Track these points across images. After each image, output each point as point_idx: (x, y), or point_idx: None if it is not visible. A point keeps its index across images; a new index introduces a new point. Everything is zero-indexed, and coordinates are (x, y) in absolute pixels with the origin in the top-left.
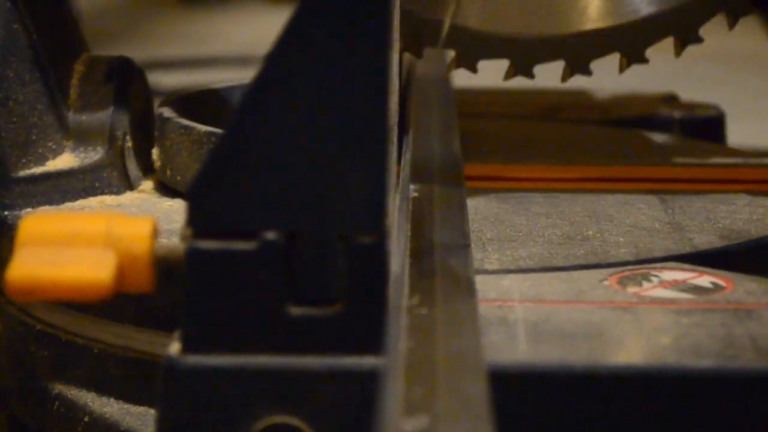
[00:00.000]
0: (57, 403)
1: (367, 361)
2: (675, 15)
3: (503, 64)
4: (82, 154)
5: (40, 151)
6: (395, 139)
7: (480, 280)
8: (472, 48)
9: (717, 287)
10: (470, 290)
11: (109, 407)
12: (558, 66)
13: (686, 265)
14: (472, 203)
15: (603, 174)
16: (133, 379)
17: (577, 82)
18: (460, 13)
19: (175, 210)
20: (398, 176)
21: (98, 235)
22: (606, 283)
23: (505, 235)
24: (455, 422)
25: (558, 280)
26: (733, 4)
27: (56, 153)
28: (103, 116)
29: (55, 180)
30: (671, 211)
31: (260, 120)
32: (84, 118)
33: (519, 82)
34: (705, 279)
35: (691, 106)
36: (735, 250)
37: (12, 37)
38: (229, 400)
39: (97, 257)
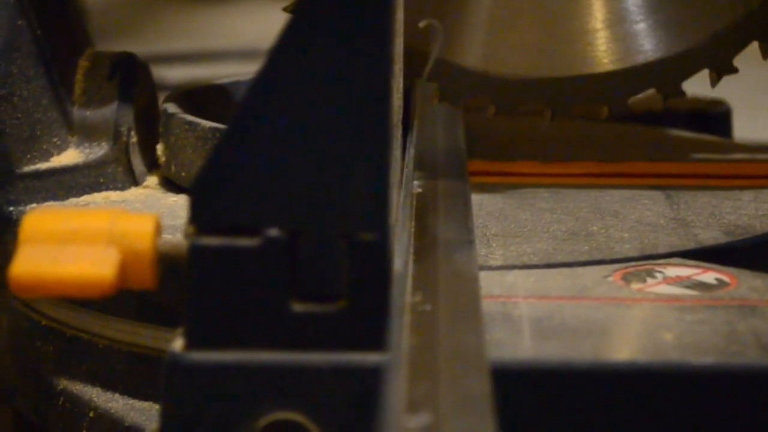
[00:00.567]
0: (62, 398)
1: (370, 358)
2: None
3: None
4: (87, 150)
5: (44, 146)
6: (399, 135)
7: (484, 276)
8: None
9: (721, 283)
10: (474, 287)
11: (114, 402)
12: None
13: (690, 262)
14: (476, 198)
15: (608, 170)
16: (137, 374)
17: None
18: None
19: (180, 206)
20: (402, 172)
21: (101, 232)
22: (610, 279)
23: (510, 230)
24: (458, 419)
25: (562, 276)
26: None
27: (61, 149)
28: (107, 112)
29: (60, 176)
30: (676, 206)
31: (263, 116)
32: (88, 113)
33: None
34: (709, 275)
35: (697, 101)
36: (740, 246)
37: (16, 33)
38: (233, 396)
39: (100, 254)
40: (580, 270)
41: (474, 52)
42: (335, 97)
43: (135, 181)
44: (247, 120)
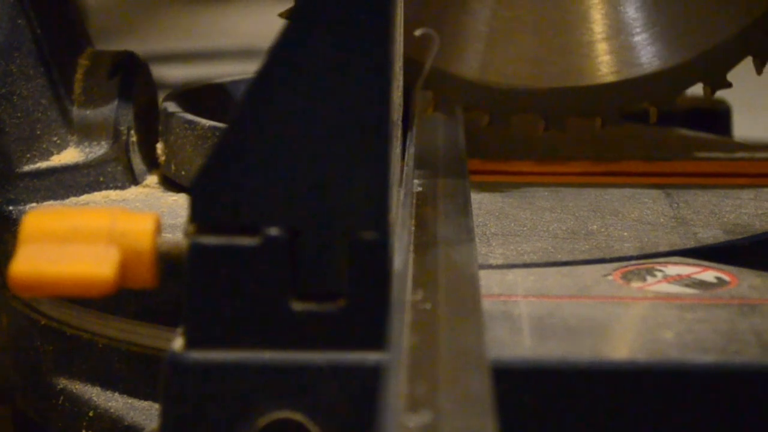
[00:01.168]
0: (62, 397)
1: (371, 357)
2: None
3: None
4: (87, 149)
5: (44, 146)
6: (399, 134)
7: (484, 275)
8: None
9: (721, 282)
10: (474, 285)
11: (114, 402)
12: None
13: (690, 260)
14: (476, 197)
15: (608, 168)
16: (137, 373)
17: None
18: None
19: (180, 205)
20: (402, 171)
21: (101, 231)
22: (610, 278)
23: (510, 229)
24: (458, 418)
25: (562, 275)
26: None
27: (61, 148)
28: (107, 111)
29: (60, 175)
30: (676, 205)
31: (263, 115)
32: (88, 112)
33: None
34: (709, 274)
35: (697, 100)
36: (740, 245)
37: (16, 33)
38: (233, 396)
39: (100, 253)
40: (580, 269)
41: (471, 62)
42: (335, 95)
43: (135, 180)
44: (246, 119)
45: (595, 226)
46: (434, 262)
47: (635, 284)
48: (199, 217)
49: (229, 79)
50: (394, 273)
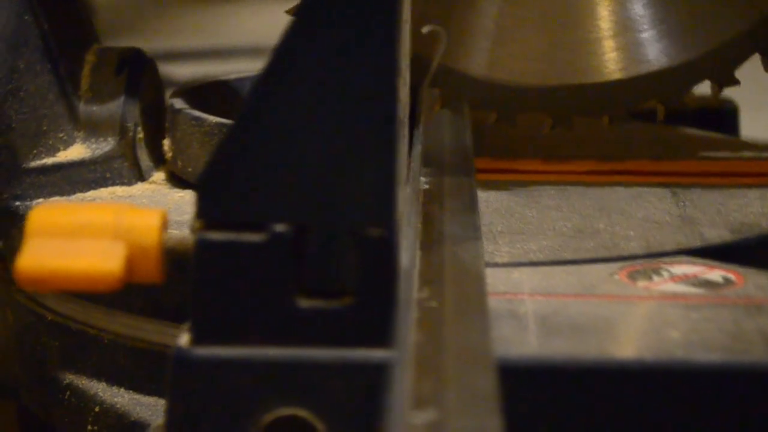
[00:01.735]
0: (67, 393)
1: (377, 354)
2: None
3: None
4: (93, 145)
5: (51, 141)
6: (406, 132)
7: (490, 273)
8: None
9: (727, 282)
10: (480, 283)
11: (120, 397)
12: None
13: (697, 260)
14: (482, 195)
15: (614, 167)
16: (143, 369)
17: None
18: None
19: (186, 201)
20: (409, 168)
21: (108, 226)
22: (616, 277)
23: (516, 227)
24: (464, 416)
25: (568, 274)
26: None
27: (67, 144)
28: (114, 107)
29: (66, 171)
30: (682, 204)
31: (270, 111)
32: (95, 108)
33: None
34: (715, 273)
35: (704, 99)
36: (746, 244)
37: (23, 28)
38: (239, 392)
39: (107, 248)
40: (586, 267)
41: (478, 59)
42: (342, 91)
43: (141, 177)
44: (253, 115)
45: (601, 225)
46: (440, 260)
47: (641, 283)
48: (206, 213)
49: (235, 76)
50: (401, 270)
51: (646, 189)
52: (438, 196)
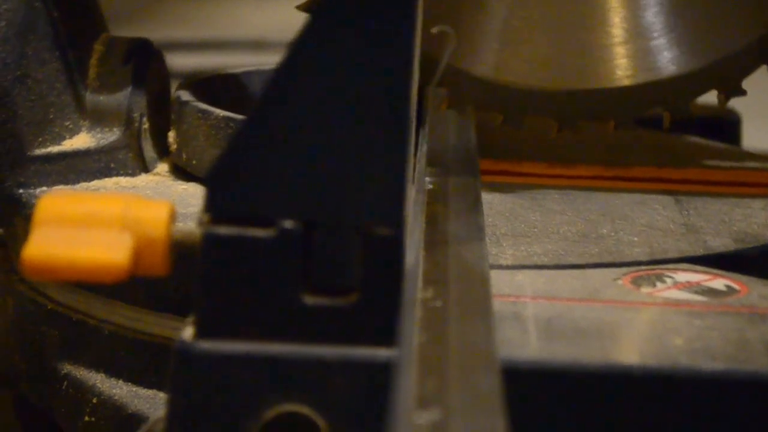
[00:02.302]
0: (65, 383)
1: (381, 353)
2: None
3: None
4: (99, 135)
5: (56, 130)
6: (413, 131)
7: (494, 275)
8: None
9: (731, 290)
10: (485, 284)
11: (118, 389)
12: None
13: (700, 267)
14: (486, 198)
15: (618, 173)
16: (143, 361)
17: None
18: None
19: (190, 194)
20: (414, 168)
21: (116, 217)
22: (620, 282)
23: (520, 230)
24: (469, 416)
25: (572, 278)
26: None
27: (73, 132)
28: (120, 97)
29: (71, 159)
30: (686, 212)
31: (283, 107)
32: (102, 98)
33: None
34: (719, 282)
35: (708, 108)
36: (750, 254)
37: (33, 15)
38: (241, 387)
39: (114, 239)
40: (589, 272)
41: (486, 61)
42: (355, 90)
43: (145, 168)
44: (266, 110)
45: (605, 230)
46: (445, 260)
47: (645, 289)
48: (214, 207)
49: (242, 69)
50: (406, 269)
51: (650, 196)
52: (442, 196)
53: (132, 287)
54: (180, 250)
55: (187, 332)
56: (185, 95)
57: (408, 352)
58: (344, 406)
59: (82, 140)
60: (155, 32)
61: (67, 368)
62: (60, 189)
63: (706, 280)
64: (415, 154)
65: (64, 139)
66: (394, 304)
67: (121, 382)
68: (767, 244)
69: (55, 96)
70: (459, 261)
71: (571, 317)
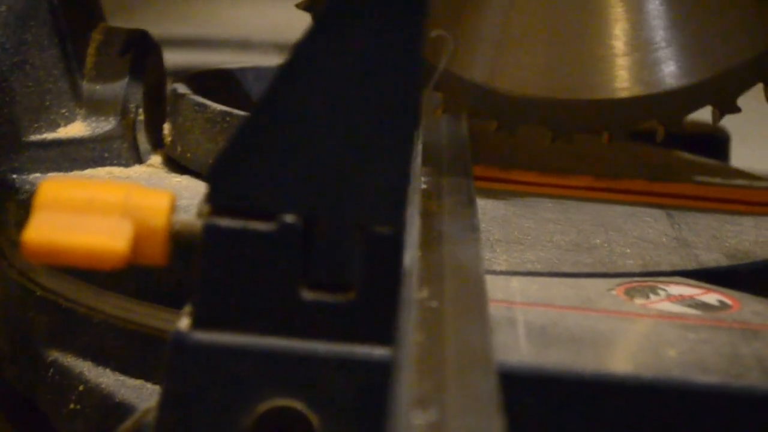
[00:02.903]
0: (52, 370)
1: (377, 352)
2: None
3: None
4: (94, 124)
5: (52, 117)
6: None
7: (488, 280)
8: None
9: (724, 305)
10: (480, 284)
11: (105, 378)
12: None
13: (693, 282)
14: (480, 204)
15: (609, 185)
16: (131, 351)
17: None
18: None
19: (184, 186)
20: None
21: (116, 204)
22: (613, 292)
23: (513, 237)
24: (465, 416)
25: (565, 286)
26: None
27: (68, 120)
28: (117, 87)
29: (66, 147)
30: (678, 226)
31: (288, 103)
32: (98, 87)
33: None
34: (712, 296)
35: (697, 125)
36: (741, 270)
37: (33, 2)
38: (235, 379)
39: (114, 226)
40: (583, 281)
41: (481, 66)
42: (361, 88)
43: (139, 159)
44: (271, 105)
45: (598, 241)
46: (440, 260)
47: (638, 301)
48: (216, 199)
49: (237, 66)
50: (404, 269)
51: (641, 209)
52: (437, 196)
53: (123, 277)
54: (179, 240)
55: (184, 322)
56: (182, 88)
57: (405, 351)
58: (338, 403)
59: (77, 128)
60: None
61: (54, 355)
62: (54, 175)
63: (699, 294)
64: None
65: (59, 126)
66: (392, 302)
67: (108, 370)
68: (759, 261)
69: (52, 83)
70: (454, 261)
71: (565, 325)
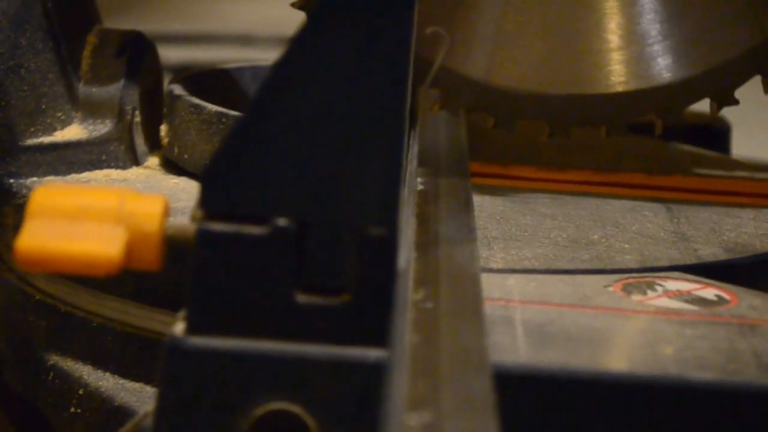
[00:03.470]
0: (51, 374)
1: (372, 354)
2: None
3: None
4: (90, 127)
5: (48, 120)
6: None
7: (484, 279)
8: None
9: (721, 300)
10: (475, 285)
11: (105, 381)
12: None
13: (691, 276)
14: (477, 200)
15: (608, 179)
16: (130, 354)
17: None
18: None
19: (181, 188)
20: (406, 168)
21: (110, 210)
22: (611, 289)
23: (511, 234)
24: (460, 418)
25: (562, 283)
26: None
27: (65, 124)
28: (113, 90)
29: (62, 151)
30: (677, 220)
31: (279, 106)
32: (94, 90)
33: None
34: (709, 291)
35: (697, 116)
36: (740, 264)
37: (27, 5)
38: (231, 383)
39: (108, 232)
40: (580, 278)
41: (478, 62)
42: (352, 91)
43: (136, 161)
44: (263, 108)
45: (595, 236)
46: (435, 261)
47: (636, 297)
48: (209, 203)
49: (234, 65)
50: (399, 271)
51: (640, 203)
52: (433, 197)
53: (121, 280)
54: (173, 245)
55: (178, 327)
56: (178, 89)
57: (399, 353)
58: (334, 405)
59: (73, 132)
60: (140, 24)
61: (54, 359)
62: (51, 180)
63: (696, 289)
64: (407, 155)
65: (55, 129)
66: (387, 304)
67: (107, 374)
68: (757, 254)
69: (48, 87)
70: (450, 262)
71: (561, 323)
